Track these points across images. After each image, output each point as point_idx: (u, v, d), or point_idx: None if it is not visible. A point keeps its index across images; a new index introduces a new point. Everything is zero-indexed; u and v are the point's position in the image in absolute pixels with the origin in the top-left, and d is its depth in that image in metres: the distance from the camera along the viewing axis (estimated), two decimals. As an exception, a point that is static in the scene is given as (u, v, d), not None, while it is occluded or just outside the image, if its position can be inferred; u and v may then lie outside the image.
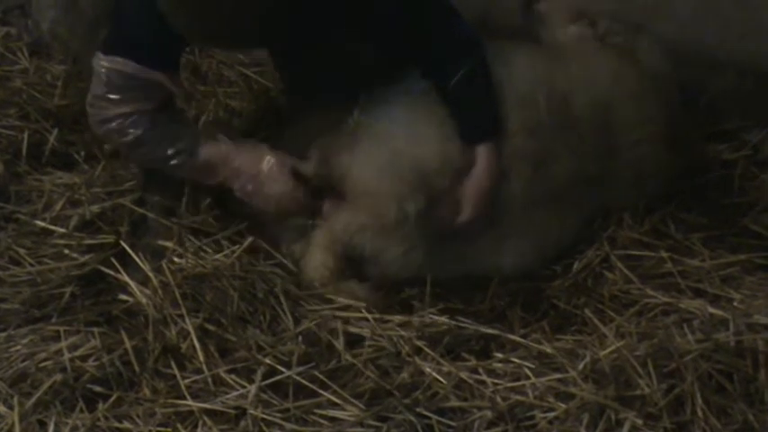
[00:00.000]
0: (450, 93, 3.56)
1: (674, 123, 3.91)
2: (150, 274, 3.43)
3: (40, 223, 3.81)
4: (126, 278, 3.47)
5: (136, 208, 3.76)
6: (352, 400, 3.05)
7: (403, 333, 3.32)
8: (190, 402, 3.04)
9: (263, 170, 3.56)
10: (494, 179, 3.55)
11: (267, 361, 3.16)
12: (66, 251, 3.67)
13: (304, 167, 3.59)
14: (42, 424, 3.02)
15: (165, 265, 3.48)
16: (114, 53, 3.49)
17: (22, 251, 3.69)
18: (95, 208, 3.86)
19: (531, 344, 3.28)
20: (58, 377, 3.13)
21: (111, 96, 3.52)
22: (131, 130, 3.53)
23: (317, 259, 3.52)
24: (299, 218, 3.63)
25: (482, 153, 3.55)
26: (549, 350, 3.23)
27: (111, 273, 3.53)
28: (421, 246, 3.49)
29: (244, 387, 3.08)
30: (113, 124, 3.54)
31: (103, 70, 3.51)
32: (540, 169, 3.61)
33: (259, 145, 3.63)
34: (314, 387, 3.09)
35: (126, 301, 3.43)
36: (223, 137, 3.61)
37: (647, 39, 4.00)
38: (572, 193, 3.68)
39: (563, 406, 2.99)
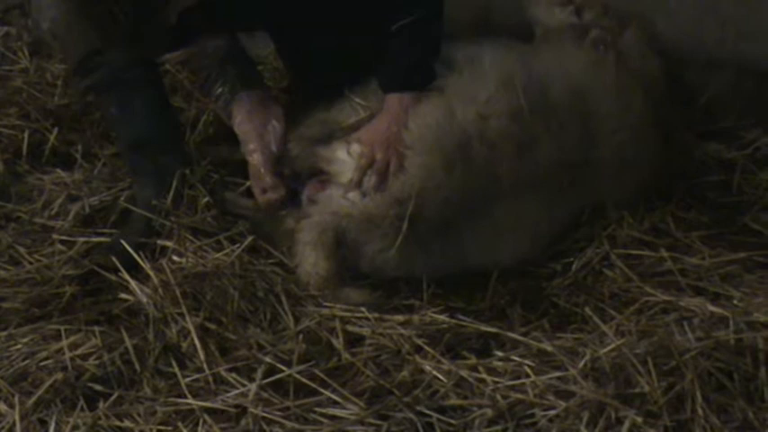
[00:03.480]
0: (389, 36, 3.61)
1: (657, 115, 3.91)
2: (151, 273, 3.44)
3: (39, 220, 3.83)
4: (127, 277, 3.47)
5: (133, 208, 3.77)
6: (353, 398, 3.05)
7: (403, 331, 3.32)
8: (190, 401, 3.04)
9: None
10: (395, 130, 3.55)
11: (267, 359, 3.16)
12: (67, 250, 3.68)
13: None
14: (43, 423, 3.02)
15: (165, 264, 3.49)
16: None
17: (22, 250, 3.70)
18: (95, 206, 3.88)
19: (531, 342, 3.28)
20: (59, 376, 3.13)
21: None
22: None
23: (308, 262, 3.51)
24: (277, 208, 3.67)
25: (390, 102, 3.60)
26: (549, 348, 3.23)
27: (112, 272, 3.54)
28: (405, 246, 3.49)
29: (244, 385, 3.08)
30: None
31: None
32: (524, 152, 3.60)
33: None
34: (314, 385, 3.09)
35: (126, 300, 3.44)
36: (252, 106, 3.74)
37: (632, 34, 3.99)
38: (556, 179, 3.68)
39: (563, 404, 2.98)
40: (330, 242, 3.50)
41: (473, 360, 3.20)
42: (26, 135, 4.25)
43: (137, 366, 3.19)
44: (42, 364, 3.21)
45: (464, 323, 3.38)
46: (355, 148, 3.57)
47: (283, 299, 3.43)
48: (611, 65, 3.86)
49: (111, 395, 3.10)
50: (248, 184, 3.78)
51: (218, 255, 3.54)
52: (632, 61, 3.91)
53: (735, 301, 3.39)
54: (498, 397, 3.04)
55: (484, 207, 3.58)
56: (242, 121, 3.71)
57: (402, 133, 3.54)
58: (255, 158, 3.68)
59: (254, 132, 3.69)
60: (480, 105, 3.58)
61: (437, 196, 3.50)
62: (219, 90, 3.75)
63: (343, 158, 3.58)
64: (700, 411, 2.95)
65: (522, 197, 3.62)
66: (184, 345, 3.23)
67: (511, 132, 3.58)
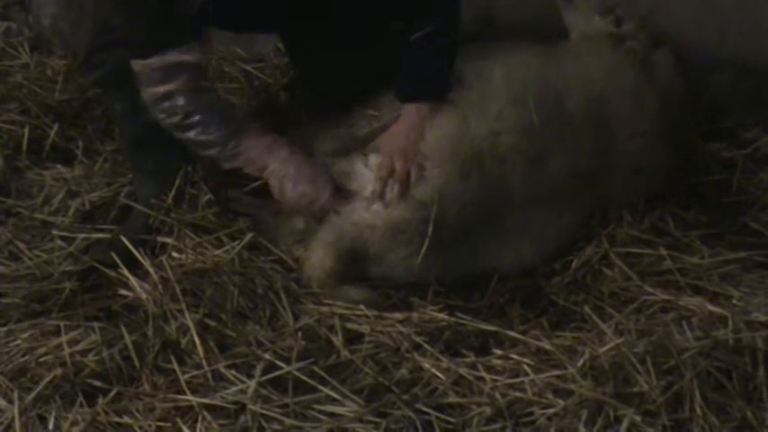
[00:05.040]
0: (408, 47, 3.60)
1: (673, 125, 3.91)
2: (151, 270, 3.44)
3: (39, 216, 3.83)
4: (126, 273, 3.47)
5: (134, 204, 3.77)
6: (352, 395, 3.05)
7: (402, 329, 3.33)
8: (189, 397, 3.05)
9: (294, 168, 3.61)
10: (412, 139, 3.56)
11: (267, 356, 3.17)
12: (67, 246, 3.68)
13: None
14: (42, 419, 3.03)
15: (164, 261, 3.49)
16: (133, 57, 3.54)
17: (22, 246, 3.70)
18: (95, 202, 3.88)
19: (530, 340, 3.28)
20: (59, 372, 3.13)
21: (149, 84, 3.56)
22: (174, 110, 3.55)
23: (316, 257, 3.52)
24: (299, 220, 3.65)
25: (408, 111, 3.61)
26: (547, 347, 3.23)
27: (111, 268, 3.55)
28: (426, 251, 3.49)
29: (243, 382, 3.08)
30: (156, 105, 3.56)
31: (135, 70, 3.56)
32: (535, 165, 3.61)
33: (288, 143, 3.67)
34: (313, 382, 3.09)
35: (126, 297, 3.44)
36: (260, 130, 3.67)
37: (665, 52, 4.00)
38: (568, 189, 3.68)
39: (562, 402, 2.99)
40: (344, 249, 3.50)
41: (472, 358, 3.21)
42: (26, 130, 4.25)
43: (136, 363, 3.19)
44: (42, 359, 3.21)
45: (463, 321, 3.38)
46: (373, 159, 3.58)
47: (283, 296, 3.43)
48: (634, 71, 3.86)
49: (110, 391, 3.10)
50: (255, 183, 3.77)
51: (217, 252, 3.54)
52: (657, 75, 3.91)
53: (734, 301, 3.40)
54: (497, 395, 3.05)
55: (496, 215, 3.59)
56: (275, 146, 3.65)
57: (420, 142, 3.55)
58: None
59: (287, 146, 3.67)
60: (491, 121, 3.58)
61: (456, 203, 3.52)
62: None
63: (363, 172, 3.59)
64: (698, 411, 2.96)
65: (534, 206, 3.63)
66: (184, 341, 3.23)
67: (521, 148, 3.59)
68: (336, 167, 3.63)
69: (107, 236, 3.72)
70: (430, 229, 3.47)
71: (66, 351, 3.22)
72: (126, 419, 3.01)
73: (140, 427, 2.99)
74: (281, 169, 3.60)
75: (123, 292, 3.47)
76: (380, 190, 3.52)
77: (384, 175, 3.52)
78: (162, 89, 3.52)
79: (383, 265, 3.54)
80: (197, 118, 3.56)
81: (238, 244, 3.56)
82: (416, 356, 3.21)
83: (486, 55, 3.74)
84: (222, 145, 3.59)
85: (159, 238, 3.64)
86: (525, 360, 3.17)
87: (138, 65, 3.53)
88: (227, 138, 3.58)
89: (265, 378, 3.09)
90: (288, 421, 2.97)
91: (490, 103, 3.61)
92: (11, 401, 3.05)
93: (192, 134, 3.58)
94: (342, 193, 3.60)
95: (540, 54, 3.84)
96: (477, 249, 3.60)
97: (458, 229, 3.54)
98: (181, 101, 3.53)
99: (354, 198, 3.57)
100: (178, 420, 2.99)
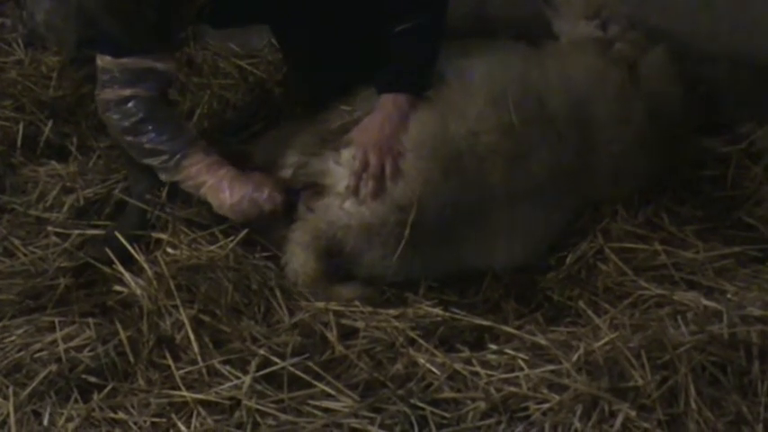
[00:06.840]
0: (391, 38, 3.59)
1: (662, 128, 3.91)
2: (145, 265, 3.44)
3: (34, 212, 3.83)
4: (121, 269, 3.47)
5: (128, 200, 3.77)
6: (347, 390, 3.05)
7: (397, 324, 3.32)
8: (184, 393, 3.04)
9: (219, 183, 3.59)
10: (387, 131, 3.50)
11: (261, 352, 3.16)
12: (61, 242, 3.68)
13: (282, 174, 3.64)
14: (37, 414, 3.03)
15: (159, 257, 3.49)
16: (104, 52, 3.54)
17: (17, 242, 3.70)
18: (90, 198, 3.88)
19: (524, 335, 3.28)
20: (53, 368, 3.13)
21: (113, 84, 3.56)
22: (132, 113, 3.55)
23: (297, 261, 3.50)
24: (278, 225, 3.64)
25: (384, 102, 3.55)
26: (542, 342, 3.23)
27: (106, 264, 3.54)
28: (403, 252, 3.47)
29: (238, 378, 3.08)
30: (115, 106, 3.57)
31: (101, 66, 3.55)
32: (517, 164, 3.60)
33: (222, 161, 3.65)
34: (308, 378, 3.09)
35: (121, 292, 3.44)
36: (207, 149, 3.65)
37: (658, 54, 3.99)
38: (553, 187, 3.67)
39: (557, 397, 2.99)
40: (322, 248, 3.48)
41: (467, 353, 3.21)
42: (21, 127, 4.25)
43: (131, 358, 3.19)
44: (36, 355, 3.21)
45: (458, 316, 3.38)
46: (346, 153, 3.52)
47: (277, 292, 3.43)
48: (619, 77, 3.85)
49: (105, 387, 3.10)
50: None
51: (212, 247, 3.54)
52: (646, 80, 3.90)
53: (728, 295, 3.40)
54: (492, 390, 3.05)
55: (479, 213, 3.57)
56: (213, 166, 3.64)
57: (396, 134, 3.50)
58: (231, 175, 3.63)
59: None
60: (470, 121, 3.56)
61: (435, 202, 3.48)
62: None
63: (336, 168, 3.52)
64: (693, 405, 2.97)
65: (518, 204, 3.61)
66: (178, 337, 3.23)
67: (501, 147, 3.56)
68: (309, 165, 3.60)
69: (102, 232, 3.72)
70: (407, 232, 3.43)
71: (61, 347, 3.22)
72: (121, 415, 3.01)
73: (135, 423, 2.99)
74: (216, 184, 3.58)
75: (118, 287, 3.46)
76: (354, 185, 3.46)
77: (358, 170, 3.45)
78: (127, 92, 3.53)
79: (361, 264, 3.52)
80: (153, 125, 3.56)
81: (233, 240, 3.56)
82: (411, 352, 3.20)
83: (467, 54, 3.72)
84: (168, 155, 3.58)
85: (154, 234, 3.64)
86: (520, 355, 3.17)
87: (107, 62, 3.53)
88: (176, 150, 3.58)
89: (260, 374, 3.10)
90: (283, 417, 2.97)
91: (469, 103, 3.59)
92: (6, 397, 3.05)
93: (142, 139, 3.58)
94: (314, 188, 3.56)
95: (523, 54, 3.83)
96: (462, 249, 3.57)
97: (439, 228, 3.51)
98: (141, 105, 3.54)
99: (328, 194, 3.52)
100: (173, 416, 3.00)
